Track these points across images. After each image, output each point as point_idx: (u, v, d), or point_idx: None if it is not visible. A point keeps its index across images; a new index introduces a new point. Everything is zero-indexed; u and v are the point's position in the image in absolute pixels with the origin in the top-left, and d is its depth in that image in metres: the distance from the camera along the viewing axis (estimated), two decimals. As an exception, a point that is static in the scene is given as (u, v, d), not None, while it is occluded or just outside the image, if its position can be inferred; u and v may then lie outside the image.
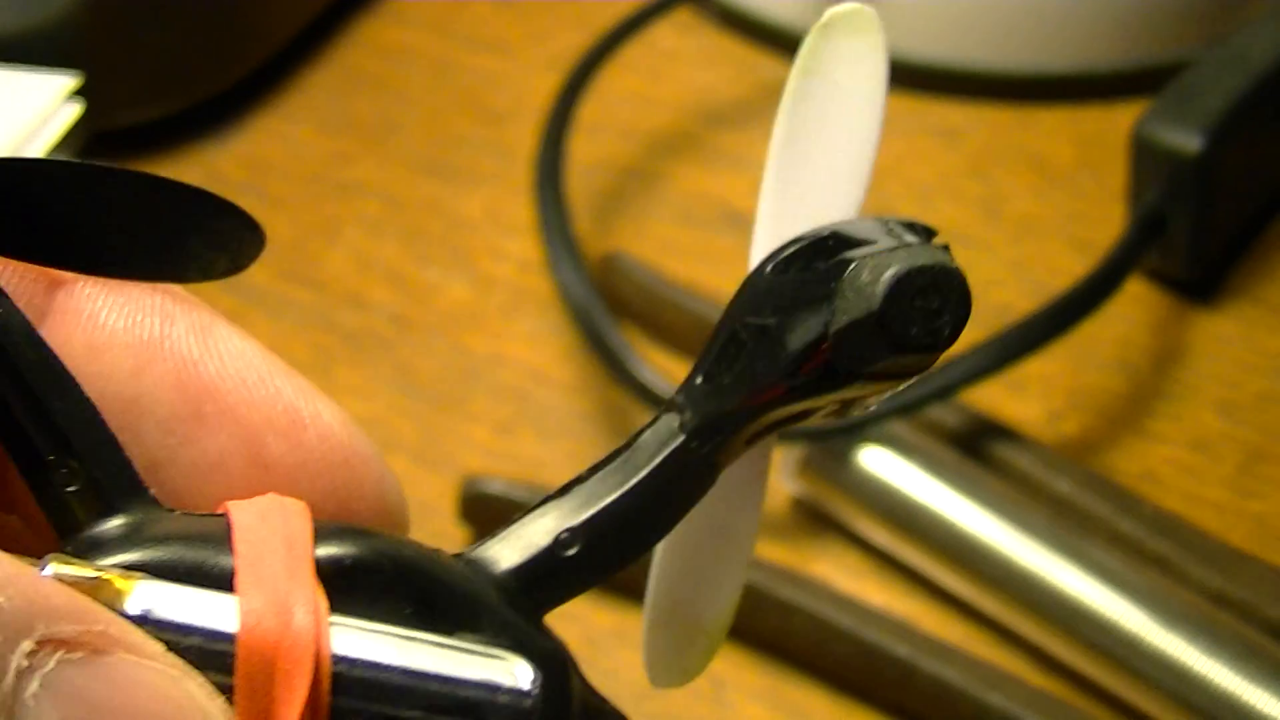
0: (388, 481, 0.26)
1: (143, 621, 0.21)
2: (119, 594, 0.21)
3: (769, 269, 0.24)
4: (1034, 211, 0.55)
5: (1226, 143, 0.49)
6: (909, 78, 0.59)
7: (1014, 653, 0.43)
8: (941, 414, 0.47)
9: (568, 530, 0.24)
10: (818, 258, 0.24)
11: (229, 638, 0.21)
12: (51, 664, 0.20)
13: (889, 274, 0.22)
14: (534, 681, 0.22)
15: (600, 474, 0.24)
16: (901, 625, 0.43)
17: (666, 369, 0.48)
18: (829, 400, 0.24)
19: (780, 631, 0.43)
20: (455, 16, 0.63)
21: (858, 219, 0.25)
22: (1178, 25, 0.58)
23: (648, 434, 0.24)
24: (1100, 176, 0.55)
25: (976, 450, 0.46)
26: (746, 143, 0.58)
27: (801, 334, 0.23)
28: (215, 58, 0.59)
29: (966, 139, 0.57)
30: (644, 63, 0.60)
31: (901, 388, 0.24)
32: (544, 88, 0.57)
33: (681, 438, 0.24)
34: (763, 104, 0.59)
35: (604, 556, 0.24)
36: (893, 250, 0.23)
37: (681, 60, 0.61)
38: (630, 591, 0.45)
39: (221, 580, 0.22)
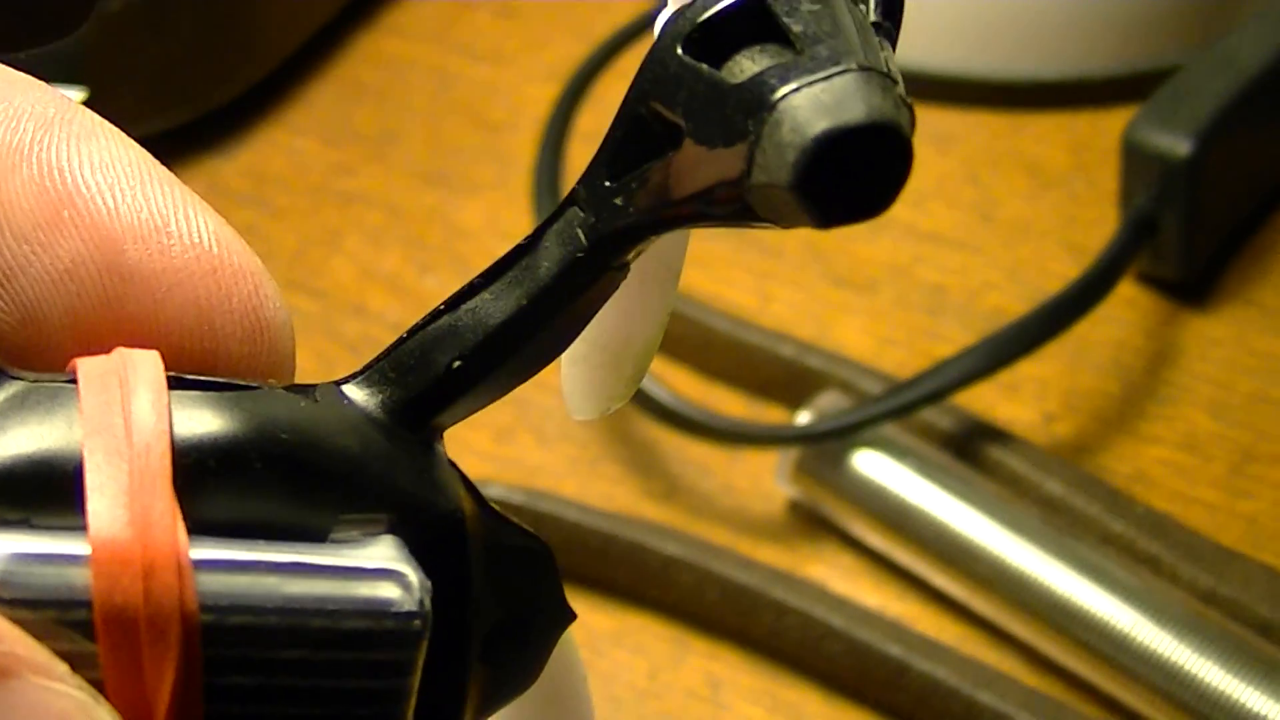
0: (264, 295, 0.24)
1: None
2: None
3: (680, 48, 0.20)
4: (1027, 215, 0.55)
5: (1216, 146, 0.50)
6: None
7: (1007, 652, 0.44)
8: (935, 416, 0.47)
9: (462, 357, 0.22)
10: (738, 44, 0.20)
11: (86, 604, 0.19)
12: None
13: (812, 138, 0.18)
14: (421, 601, 0.21)
15: (495, 286, 0.22)
16: (895, 626, 0.43)
17: (665, 375, 0.48)
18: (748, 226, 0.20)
19: (775, 632, 0.44)
20: (454, 27, 0.63)
21: None
22: (1167, 31, 0.58)
23: (549, 238, 0.22)
24: (1092, 180, 0.56)
25: (969, 452, 0.47)
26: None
27: (716, 164, 0.19)
28: (219, 71, 0.59)
29: (960, 145, 0.58)
30: (642, 71, 0.60)
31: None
32: (543, 97, 0.58)
33: (585, 245, 0.21)
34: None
35: (503, 378, 0.22)
36: (829, 78, 0.19)
37: (679, 68, 0.61)
38: (630, 595, 0.45)
39: (72, 487, 0.20)
